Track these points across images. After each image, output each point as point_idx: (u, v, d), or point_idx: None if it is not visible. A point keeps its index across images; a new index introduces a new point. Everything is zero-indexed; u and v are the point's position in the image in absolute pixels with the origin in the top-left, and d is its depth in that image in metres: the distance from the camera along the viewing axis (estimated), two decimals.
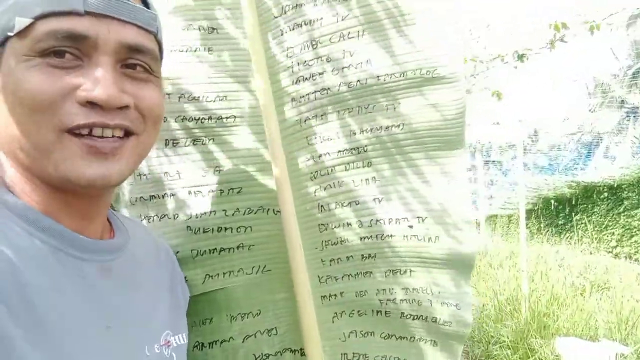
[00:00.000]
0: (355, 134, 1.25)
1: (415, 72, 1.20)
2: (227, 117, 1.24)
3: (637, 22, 23.88)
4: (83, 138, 0.56)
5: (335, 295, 1.29)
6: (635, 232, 10.62)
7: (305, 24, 1.25)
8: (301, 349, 1.29)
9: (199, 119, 1.23)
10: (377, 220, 1.25)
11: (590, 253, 9.14)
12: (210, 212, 1.21)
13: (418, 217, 1.24)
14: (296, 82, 1.26)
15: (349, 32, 1.23)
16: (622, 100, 26.58)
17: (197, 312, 1.19)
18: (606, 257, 9.24)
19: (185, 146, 1.22)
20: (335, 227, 1.27)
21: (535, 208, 17.47)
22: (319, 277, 1.29)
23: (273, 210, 1.25)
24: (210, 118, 1.23)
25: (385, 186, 1.25)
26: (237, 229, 1.23)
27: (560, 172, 19.61)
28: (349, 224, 1.26)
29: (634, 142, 22.97)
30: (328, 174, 1.26)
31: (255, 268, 1.25)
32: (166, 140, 1.20)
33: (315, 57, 1.25)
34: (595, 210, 12.81)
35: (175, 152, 1.21)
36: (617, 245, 11.31)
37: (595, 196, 12.95)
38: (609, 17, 2.28)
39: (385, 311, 1.29)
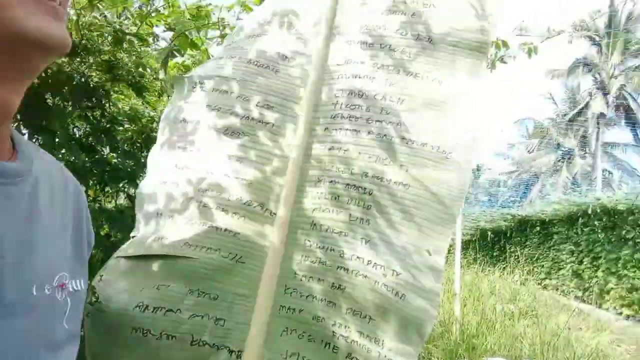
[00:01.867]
0: (365, 176, 1.35)
1: (433, 148, 1.34)
2: (266, 123, 1.44)
3: (577, 71, 25.73)
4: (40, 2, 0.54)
5: (294, 309, 1.29)
6: (562, 265, 11.18)
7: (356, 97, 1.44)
8: (239, 352, 1.26)
9: (247, 116, 1.46)
10: (357, 257, 1.28)
11: (521, 283, 9.51)
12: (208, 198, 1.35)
13: (394, 270, 1.27)
14: (331, 142, 1.41)
15: (383, 109, 1.41)
16: (558, 144, 28.36)
17: (156, 275, 1.23)
18: (535, 288, 9.64)
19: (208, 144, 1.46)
20: (320, 247, 1.30)
21: (473, 239, 18.12)
22: (286, 286, 1.29)
23: (270, 211, 1.33)
24: (252, 118, 1.45)
25: (376, 232, 1.30)
26: (232, 213, 1.31)
27: (498, 207, 20.46)
28: (332, 250, 1.29)
29: (566, 182, 24.44)
30: (332, 196, 1.34)
31: (232, 254, 1.28)
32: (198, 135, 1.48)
33: (354, 129, 1.40)
34: (527, 243, 13.44)
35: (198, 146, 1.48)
36: (545, 278, 11.86)
37: (528, 230, 13.60)
38: (546, 40, 2.40)
39: (334, 346, 1.27)
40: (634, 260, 8.38)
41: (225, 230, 1.29)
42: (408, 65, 1.44)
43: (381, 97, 1.41)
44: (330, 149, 1.39)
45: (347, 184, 1.34)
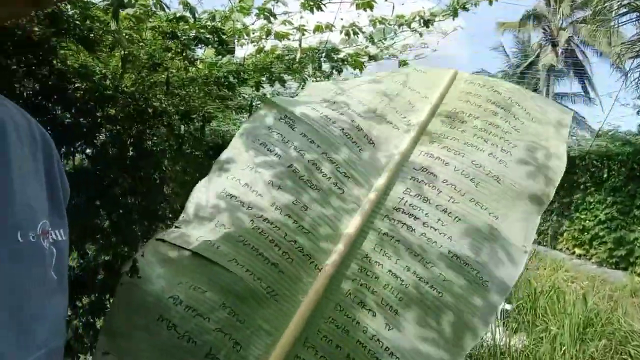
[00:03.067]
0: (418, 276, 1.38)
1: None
2: (339, 188, 1.50)
3: (527, 24, 26.18)
4: None
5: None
6: None
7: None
8: None
9: (323, 174, 1.52)
10: (377, 339, 1.27)
11: None
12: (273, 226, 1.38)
13: None
14: (402, 212, 1.46)
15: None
16: None
17: (195, 276, 1.29)
18: None
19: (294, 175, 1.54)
20: (347, 316, 1.30)
21: None
22: (306, 339, 1.28)
23: (317, 265, 1.35)
24: (327, 177, 1.52)
25: (399, 323, 1.32)
26: (284, 252, 1.33)
27: None
28: (357, 323, 1.30)
29: None
30: (379, 285, 1.33)
31: (270, 288, 1.30)
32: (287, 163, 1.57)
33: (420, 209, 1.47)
34: None
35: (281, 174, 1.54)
36: None
37: None
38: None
39: None
40: (585, 204, 8.85)
41: (274, 264, 1.31)
42: (473, 195, 1.51)
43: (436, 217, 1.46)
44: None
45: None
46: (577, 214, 8.98)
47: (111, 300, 2.99)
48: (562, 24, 25.36)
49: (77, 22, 2.24)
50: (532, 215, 1.56)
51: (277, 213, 1.40)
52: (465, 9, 2.57)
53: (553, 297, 4.46)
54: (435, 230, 1.44)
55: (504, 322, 3.96)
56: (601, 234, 8.19)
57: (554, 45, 25.25)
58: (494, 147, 1.63)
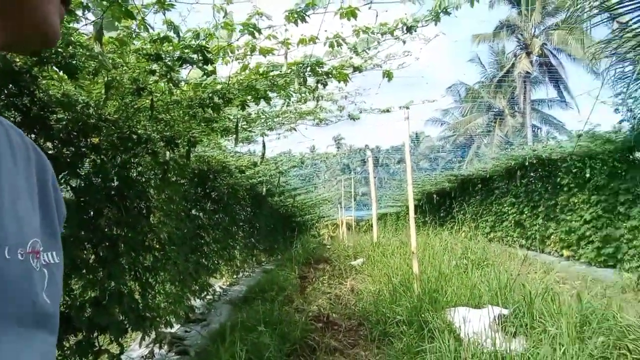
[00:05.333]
0: None
1: None
2: None
3: (501, 34, 26.82)
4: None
5: None
6: (505, 217, 11.80)
7: None
8: None
9: None
10: None
11: (470, 238, 9.93)
12: None
13: None
14: None
15: None
16: (489, 105, 29.62)
17: None
18: (483, 241, 10.11)
19: None
20: None
21: (420, 203, 18.73)
22: None
23: None
24: None
25: None
26: None
27: (440, 170, 21.20)
28: None
29: (500, 141, 25.64)
30: None
31: None
32: None
33: None
34: (471, 200, 14.05)
35: None
36: (490, 231, 12.49)
37: (470, 188, 14.22)
38: None
39: None
40: (569, 205, 8.96)
41: None
42: None
43: None
44: None
45: None
46: (563, 216, 9.07)
47: (99, 339, 2.91)
48: (534, 32, 26.04)
49: (60, 49, 2.22)
50: None
51: None
52: (447, 13, 2.60)
53: (547, 298, 4.47)
54: None
55: (502, 327, 3.95)
56: (587, 233, 8.26)
57: (528, 53, 25.86)
58: None
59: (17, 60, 2.33)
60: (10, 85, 2.26)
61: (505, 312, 4.14)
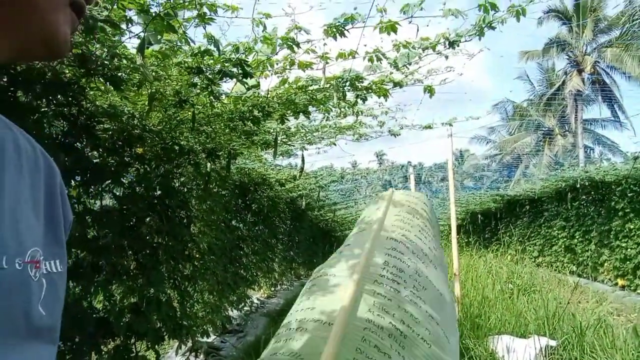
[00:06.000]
0: None
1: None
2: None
3: (551, 51, 26.04)
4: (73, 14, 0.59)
5: None
6: (555, 241, 11.25)
7: None
8: None
9: None
10: None
11: (516, 262, 9.54)
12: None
13: None
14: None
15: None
16: (538, 124, 28.68)
17: None
18: (530, 265, 9.68)
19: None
20: None
21: (464, 223, 18.22)
22: None
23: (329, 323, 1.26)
24: None
25: None
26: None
27: (485, 190, 20.60)
28: None
29: (549, 161, 24.72)
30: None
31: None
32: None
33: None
34: (518, 222, 13.52)
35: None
36: (539, 255, 11.94)
37: (517, 209, 13.69)
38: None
39: None
40: (625, 230, 8.45)
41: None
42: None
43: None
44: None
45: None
46: (618, 242, 8.56)
47: (136, 345, 2.95)
48: (586, 49, 25.14)
49: (106, 61, 2.28)
50: None
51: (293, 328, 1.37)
52: (492, 27, 2.50)
53: (600, 331, 4.19)
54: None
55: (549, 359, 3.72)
56: None
57: (580, 71, 24.95)
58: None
59: (66, 71, 2.41)
60: (59, 96, 2.34)
61: (552, 343, 3.89)
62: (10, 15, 0.54)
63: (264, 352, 1.29)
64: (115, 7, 1.88)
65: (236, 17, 2.05)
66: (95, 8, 1.99)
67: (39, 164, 0.67)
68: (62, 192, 0.73)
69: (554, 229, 11.24)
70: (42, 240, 0.60)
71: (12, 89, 2.09)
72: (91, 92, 2.61)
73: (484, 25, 2.43)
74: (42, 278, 0.56)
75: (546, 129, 28.13)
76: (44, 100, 2.26)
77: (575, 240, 10.22)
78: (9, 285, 0.50)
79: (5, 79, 2.11)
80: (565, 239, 10.67)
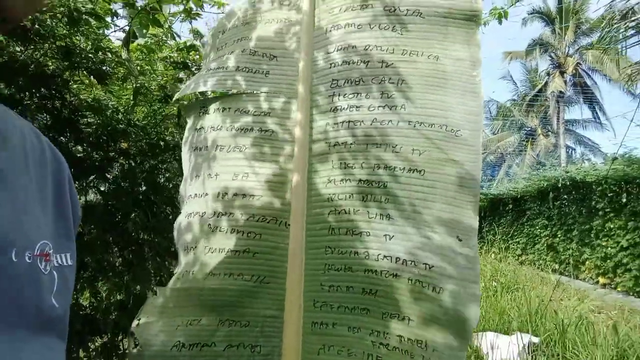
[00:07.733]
0: (379, 168, 1.26)
1: (442, 127, 1.27)
2: (265, 130, 1.36)
3: (534, 52, 26.37)
4: None
5: (327, 324, 1.22)
6: (537, 240, 11.41)
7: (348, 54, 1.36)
8: None
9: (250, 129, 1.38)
10: (384, 256, 1.21)
11: (500, 260, 9.65)
12: (228, 213, 1.28)
13: (425, 264, 1.20)
14: (333, 110, 1.33)
15: (390, 78, 1.32)
16: (522, 124, 29.05)
17: (187, 311, 1.22)
18: (514, 263, 9.81)
19: (227, 152, 1.37)
20: (341, 252, 1.23)
21: None
22: (314, 300, 1.23)
23: (285, 223, 1.27)
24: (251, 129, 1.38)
25: (398, 226, 1.23)
26: (247, 233, 1.25)
27: None
28: (356, 253, 1.22)
29: (532, 161, 25.06)
30: (345, 199, 1.26)
31: (254, 277, 1.24)
32: (216, 145, 1.39)
33: (354, 92, 1.32)
34: (502, 221, 13.68)
35: (219, 156, 1.38)
36: (522, 253, 12.10)
37: (501, 208, 13.85)
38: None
39: (377, 356, 1.20)
40: (605, 230, 8.60)
41: (244, 251, 1.25)
42: (401, 44, 1.34)
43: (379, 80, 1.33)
44: (334, 119, 1.32)
45: (361, 180, 1.27)
46: (598, 241, 8.71)
47: (124, 342, 2.91)
48: (568, 51, 25.51)
49: (90, 54, 2.24)
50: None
51: (227, 199, 1.31)
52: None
53: (582, 328, 4.25)
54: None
55: (532, 356, 3.76)
56: (625, 261, 7.90)
57: (562, 72, 25.33)
58: None
59: (50, 64, 2.36)
60: (42, 89, 2.29)
61: (535, 340, 3.95)
62: None
63: None
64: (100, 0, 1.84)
65: (222, 12, 2.03)
66: (80, 0, 1.95)
67: (47, 159, 0.66)
68: (70, 186, 0.73)
69: (537, 227, 11.40)
70: (51, 233, 0.60)
71: None
72: (75, 86, 2.56)
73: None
74: (53, 271, 0.56)
75: (529, 129, 28.51)
76: (27, 93, 2.21)
77: (557, 239, 10.38)
78: (20, 278, 0.50)
79: None
80: (547, 238, 10.84)
